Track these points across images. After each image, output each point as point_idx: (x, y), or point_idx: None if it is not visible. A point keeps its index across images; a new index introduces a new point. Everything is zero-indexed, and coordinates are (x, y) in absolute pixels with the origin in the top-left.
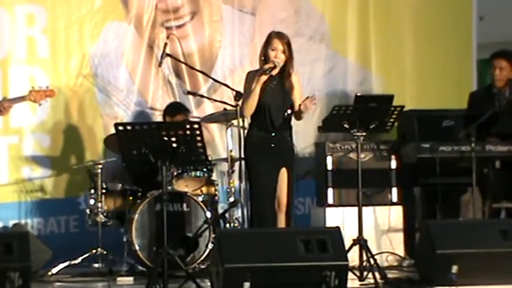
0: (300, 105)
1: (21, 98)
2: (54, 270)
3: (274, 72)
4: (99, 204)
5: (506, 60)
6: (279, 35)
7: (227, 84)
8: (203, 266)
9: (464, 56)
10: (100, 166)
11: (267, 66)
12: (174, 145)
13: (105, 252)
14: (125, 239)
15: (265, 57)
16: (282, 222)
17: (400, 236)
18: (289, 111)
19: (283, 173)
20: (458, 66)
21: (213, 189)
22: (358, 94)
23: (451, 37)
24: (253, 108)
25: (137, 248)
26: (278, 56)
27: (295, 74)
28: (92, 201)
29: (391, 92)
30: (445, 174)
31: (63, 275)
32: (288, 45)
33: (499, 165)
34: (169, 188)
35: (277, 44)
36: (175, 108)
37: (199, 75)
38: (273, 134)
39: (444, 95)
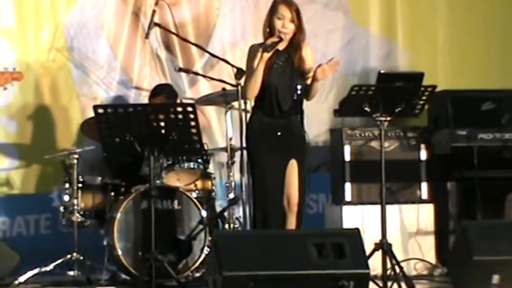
0: (315, 70)
1: None
2: (22, 279)
3: (281, 46)
4: (75, 201)
5: None
6: (286, 1)
7: (226, 59)
8: (198, 274)
9: (510, 27)
10: (76, 156)
11: (270, 41)
12: (164, 131)
13: (82, 258)
14: (105, 242)
15: (270, 29)
16: (291, 223)
17: (430, 240)
18: (299, 92)
19: (293, 165)
20: (502, 39)
21: (209, 183)
22: (382, 71)
23: (495, 4)
24: (257, 90)
25: (120, 252)
26: (286, 26)
27: (307, 45)
28: (66, 198)
29: (420, 69)
30: (485, 166)
31: (32, 284)
32: (297, 12)
33: None
34: (157, 182)
35: (285, 11)
36: (155, 90)
37: (194, 48)
38: (281, 120)
39: (484, 72)
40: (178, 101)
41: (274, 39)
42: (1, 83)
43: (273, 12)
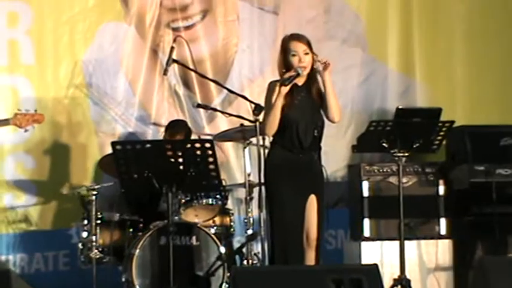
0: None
1: (4, 122)
2: None
3: (300, 82)
4: (94, 238)
5: None
6: (297, 37)
7: (245, 95)
8: None
9: None
10: (94, 192)
11: (288, 75)
12: (182, 167)
13: None
14: (123, 279)
15: (286, 68)
16: (310, 259)
17: (449, 276)
18: (318, 129)
19: (312, 200)
20: None
21: (227, 219)
22: (400, 107)
23: (511, 39)
24: (276, 126)
25: None
26: (302, 60)
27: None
28: (85, 234)
29: (438, 105)
30: (504, 201)
31: None
32: (308, 44)
33: None
34: (176, 218)
35: (297, 47)
36: (173, 127)
37: (212, 85)
38: (301, 155)
39: (502, 108)
40: (196, 137)
41: (292, 73)
42: (22, 124)
43: (285, 51)
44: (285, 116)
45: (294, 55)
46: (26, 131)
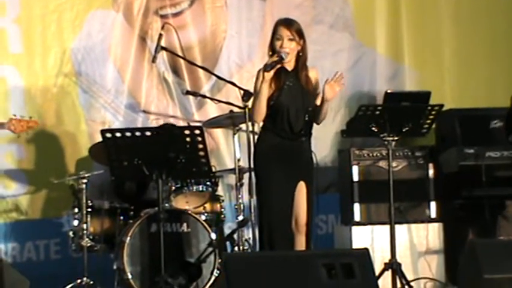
0: (323, 90)
1: None
2: None
3: (290, 67)
4: (84, 226)
5: None
6: (285, 22)
7: (233, 82)
8: None
9: None
10: (85, 180)
11: (270, 61)
12: (172, 154)
13: (91, 282)
14: (115, 266)
15: (272, 51)
16: (300, 244)
17: (440, 259)
18: (309, 113)
19: (301, 186)
20: (508, 57)
21: (218, 206)
22: (389, 91)
23: (501, 22)
24: (263, 113)
25: (129, 276)
26: (284, 46)
27: (313, 69)
28: (75, 222)
29: (427, 89)
30: (493, 184)
31: None
32: (297, 32)
33: None
34: (166, 205)
35: (283, 32)
36: None
37: (201, 71)
38: (291, 141)
39: (491, 91)
40: (185, 124)
41: (274, 58)
42: (17, 130)
43: (273, 34)
44: (275, 102)
45: (278, 39)
46: (18, 136)
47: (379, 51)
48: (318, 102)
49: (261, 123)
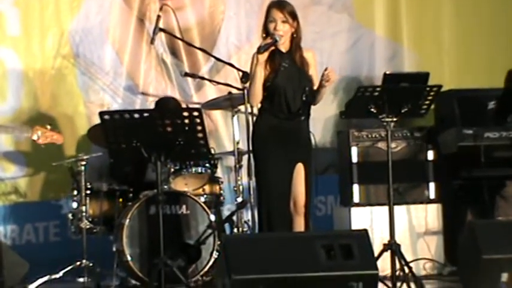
0: (321, 79)
1: (19, 130)
2: (32, 287)
3: (285, 48)
4: (83, 208)
5: None
6: (278, 4)
7: (232, 63)
8: (207, 279)
9: None
10: (83, 163)
11: (263, 43)
12: (170, 136)
13: (91, 264)
14: (114, 248)
15: (266, 33)
16: (299, 226)
17: (439, 240)
18: (307, 93)
19: (300, 168)
20: (507, 38)
21: (217, 187)
22: (388, 72)
23: (500, 2)
24: (259, 96)
25: (129, 258)
26: (277, 28)
27: (309, 50)
28: (74, 205)
29: (426, 69)
30: (492, 165)
31: None
32: (291, 14)
33: None
34: (165, 187)
35: (276, 14)
36: (161, 108)
37: (199, 53)
38: (289, 121)
39: (490, 71)
40: (184, 105)
41: (268, 40)
42: (40, 139)
43: (266, 16)
44: (272, 83)
45: (271, 21)
46: (42, 145)
47: (377, 33)
48: (315, 87)
49: (259, 105)
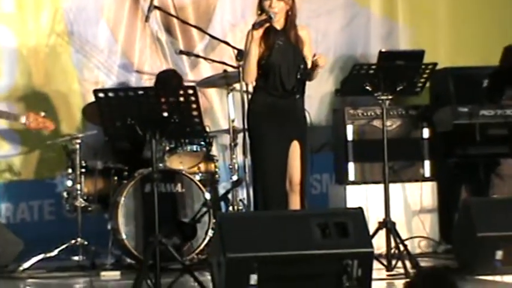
0: (312, 63)
1: (12, 117)
2: (27, 265)
3: (279, 25)
4: (78, 186)
5: None
6: None
7: (227, 41)
8: (202, 257)
9: (510, 2)
10: (78, 141)
11: (259, 19)
12: (165, 114)
13: (86, 243)
14: (109, 227)
15: (261, 10)
16: (294, 204)
17: (434, 218)
18: (301, 71)
19: (295, 146)
20: (502, 15)
21: (212, 166)
22: (383, 50)
23: None
24: (254, 73)
25: (124, 236)
26: (273, 6)
27: (304, 28)
28: (69, 183)
29: (421, 47)
30: (487, 143)
31: (37, 270)
32: None
33: None
34: (160, 165)
35: None
36: (164, 82)
37: (194, 31)
38: (284, 99)
39: (485, 49)
40: None
41: (263, 17)
42: (32, 125)
43: None
44: (266, 61)
45: None
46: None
47: (373, 11)
48: (309, 65)
49: (254, 83)
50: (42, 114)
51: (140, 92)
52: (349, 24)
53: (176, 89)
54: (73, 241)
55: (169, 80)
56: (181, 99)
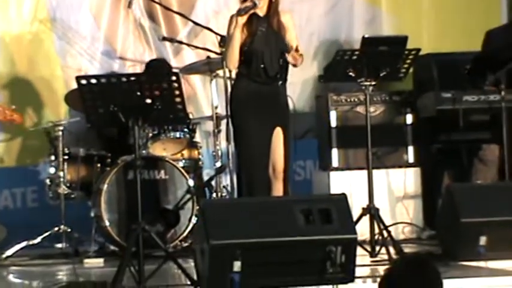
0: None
1: None
2: (10, 252)
3: (262, 12)
4: (61, 173)
5: None
6: None
7: (210, 28)
8: (185, 244)
9: None
10: (61, 128)
11: (243, 5)
12: (148, 101)
13: (69, 230)
14: (92, 214)
15: None
16: (277, 190)
17: (418, 203)
18: (284, 58)
19: (278, 132)
20: (487, 1)
21: (195, 152)
22: (366, 36)
23: None
24: (236, 59)
25: (107, 223)
26: None
27: (286, 13)
28: (52, 170)
29: (404, 33)
30: (471, 128)
31: (20, 258)
32: None
33: None
34: (143, 152)
35: None
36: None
37: (177, 17)
38: (267, 85)
39: (468, 35)
40: None
41: (248, 3)
42: (1, 117)
43: None
44: (249, 47)
45: None
46: None
47: None
48: (294, 50)
49: (236, 70)
50: (13, 107)
51: (123, 79)
52: (332, 9)
53: (168, 76)
54: (56, 228)
55: (161, 68)
56: (165, 85)
